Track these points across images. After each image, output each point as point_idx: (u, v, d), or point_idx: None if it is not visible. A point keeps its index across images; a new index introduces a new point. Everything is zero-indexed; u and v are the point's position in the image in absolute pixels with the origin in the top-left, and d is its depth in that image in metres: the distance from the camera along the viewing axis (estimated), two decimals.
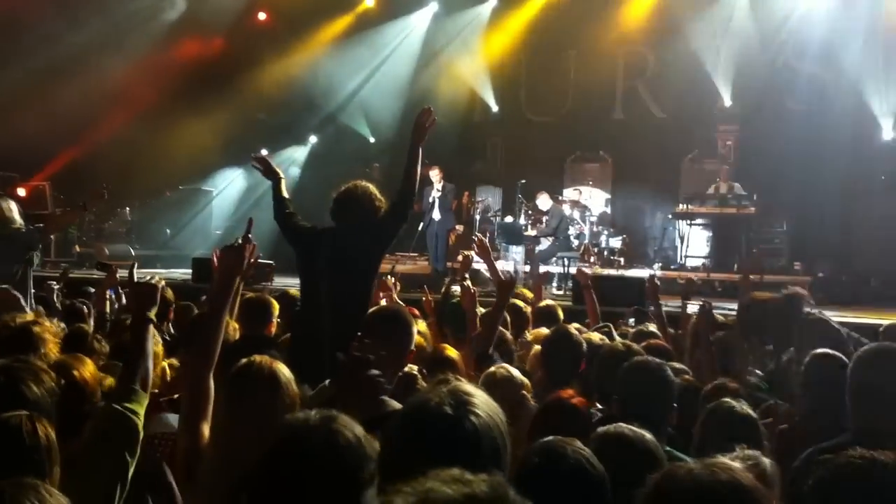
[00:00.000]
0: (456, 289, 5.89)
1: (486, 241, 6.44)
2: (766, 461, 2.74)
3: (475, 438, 1.75)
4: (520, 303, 6.16)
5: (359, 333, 3.48)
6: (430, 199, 13.27)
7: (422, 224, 13.35)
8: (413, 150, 5.29)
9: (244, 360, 2.90)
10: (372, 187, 5.27)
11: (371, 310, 3.76)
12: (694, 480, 1.73)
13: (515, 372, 3.83)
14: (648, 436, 2.65)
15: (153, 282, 3.20)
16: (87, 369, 3.37)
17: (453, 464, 1.63)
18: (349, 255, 5.02)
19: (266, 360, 2.90)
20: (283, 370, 2.87)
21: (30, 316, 4.14)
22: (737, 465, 1.82)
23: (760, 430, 3.32)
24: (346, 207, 5.18)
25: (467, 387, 1.88)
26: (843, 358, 3.65)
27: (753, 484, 1.74)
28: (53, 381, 2.84)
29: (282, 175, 5.59)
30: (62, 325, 4.78)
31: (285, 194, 5.46)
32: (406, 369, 3.57)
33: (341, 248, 5.02)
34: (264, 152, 18.78)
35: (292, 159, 18.80)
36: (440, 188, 13.39)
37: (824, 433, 3.25)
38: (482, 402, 1.83)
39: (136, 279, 3.11)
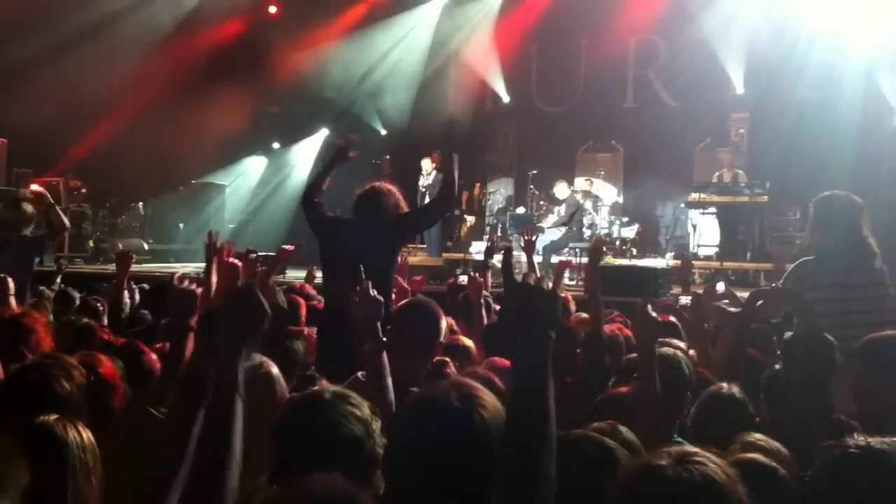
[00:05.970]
0: (463, 279, 5.91)
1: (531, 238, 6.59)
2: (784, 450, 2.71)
3: (483, 433, 1.75)
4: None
5: (388, 327, 3.52)
6: (421, 189, 13.25)
7: None
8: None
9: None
10: (395, 189, 5.29)
11: (400, 303, 3.79)
12: (664, 480, 1.65)
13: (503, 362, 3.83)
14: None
15: (191, 288, 3.03)
16: (107, 365, 3.41)
17: (460, 458, 1.66)
18: (368, 246, 4.99)
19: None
20: (271, 368, 2.88)
21: (20, 309, 4.20)
22: (717, 459, 1.72)
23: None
24: (367, 202, 5.19)
25: (470, 380, 1.89)
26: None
27: (728, 483, 1.66)
28: (84, 377, 2.88)
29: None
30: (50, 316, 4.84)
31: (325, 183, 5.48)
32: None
33: (361, 239, 5.00)
34: (276, 145, 18.98)
35: (304, 152, 18.86)
36: (430, 178, 13.37)
37: None
38: (488, 395, 1.82)
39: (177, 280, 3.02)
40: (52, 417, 2.41)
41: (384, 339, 3.13)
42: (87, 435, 2.37)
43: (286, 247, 6.24)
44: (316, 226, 5.37)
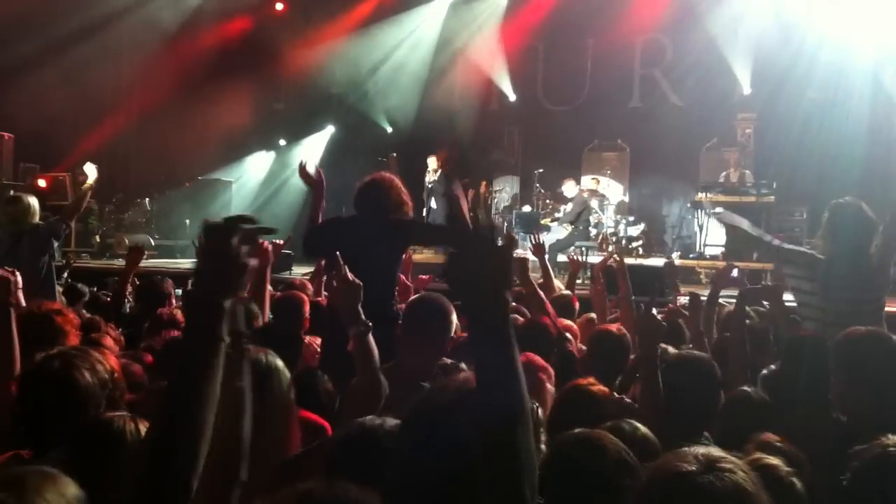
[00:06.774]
0: None
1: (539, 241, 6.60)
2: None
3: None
4: None
5: (399, 321, 3.51)
6: (428, 186, 13.24)
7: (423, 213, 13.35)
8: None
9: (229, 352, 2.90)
10: (397, 181, 5.18)
11: (410, 299, 3.80)
12: (694, 488, 1.60)
13: (533, 356, 3.78)
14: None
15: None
16: (112, 360, 3.41)
17: (467, 463, 1.61)
18: (371, 244, 4.95)
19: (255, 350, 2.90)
20: (275, 361, 2.83)
21: (56, 304, 4.17)
22: (742, 464, 1.68)
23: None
24: (369, 197, 5.10)
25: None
26: None
27: (756, 492, 1.62)
28: (108, 372, 2.85)
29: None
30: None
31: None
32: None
33: (364, 236, 4.95)
34: (294, 149, 18.97)
35: (310, 149, 18.87)
36: (437, 175, 13.36)
37: None
38: None
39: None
40: (116, 414, 2.43)
41: (368, 322, 3.08)
42: (144, 430, 2.35)
43: (276, 241, 6.29)
44: (325, 249, 5.24)
